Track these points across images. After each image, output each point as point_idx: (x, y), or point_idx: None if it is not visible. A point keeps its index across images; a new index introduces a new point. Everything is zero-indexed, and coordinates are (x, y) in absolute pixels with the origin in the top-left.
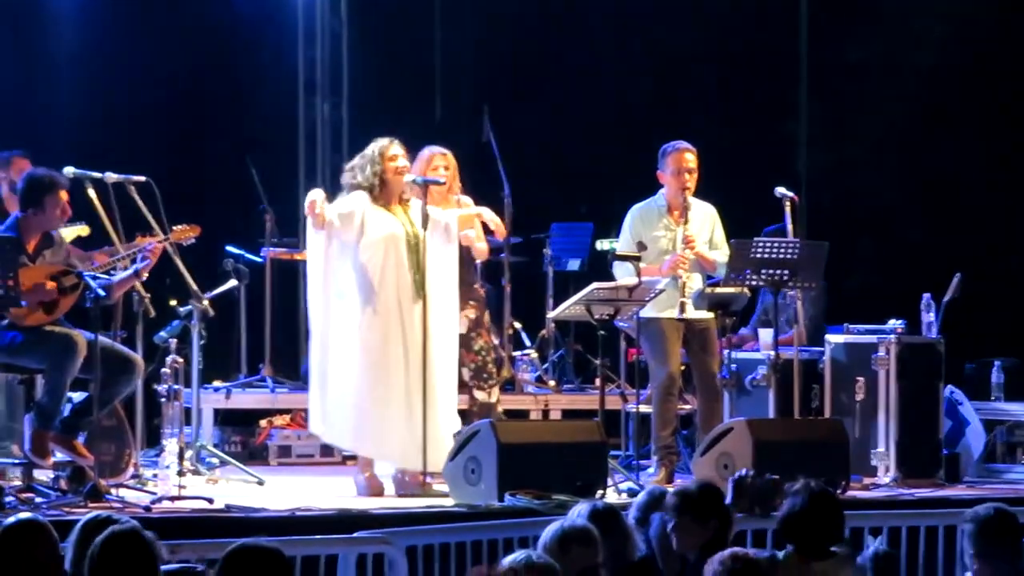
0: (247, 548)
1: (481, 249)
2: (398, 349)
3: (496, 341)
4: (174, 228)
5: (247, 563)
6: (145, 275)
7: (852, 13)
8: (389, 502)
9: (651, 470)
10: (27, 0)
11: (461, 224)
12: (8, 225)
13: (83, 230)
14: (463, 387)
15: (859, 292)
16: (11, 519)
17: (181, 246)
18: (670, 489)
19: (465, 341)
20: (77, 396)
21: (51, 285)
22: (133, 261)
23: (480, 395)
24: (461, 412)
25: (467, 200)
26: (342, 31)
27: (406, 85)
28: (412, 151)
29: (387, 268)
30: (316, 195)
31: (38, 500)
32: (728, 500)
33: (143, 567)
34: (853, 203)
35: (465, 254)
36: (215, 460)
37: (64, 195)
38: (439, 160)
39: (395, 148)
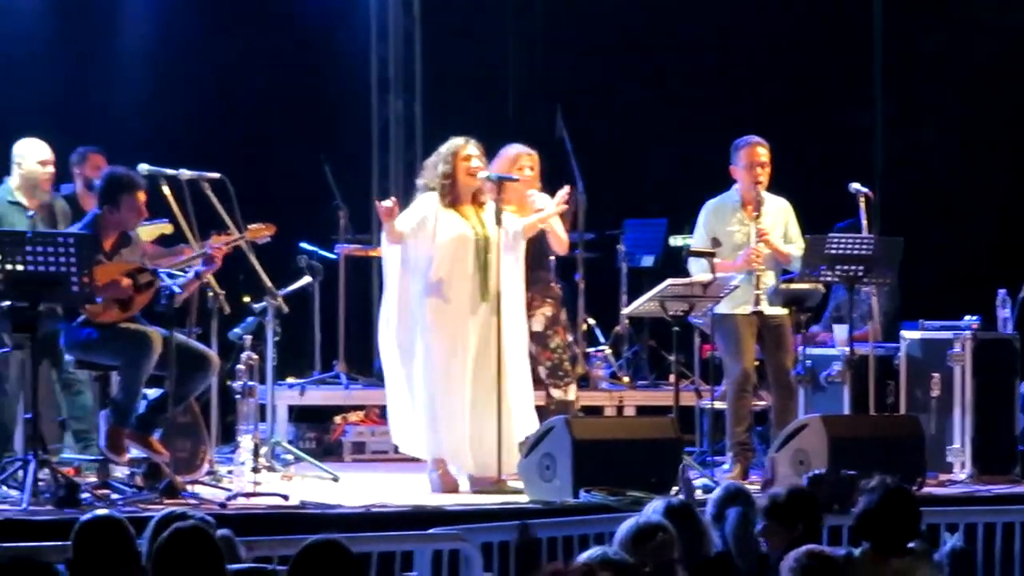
0: (317, 545)
1: (563, 242)
2: (467, 353)
3: (570, 338)
4: (249, 227)
5: (317, 560)
6: (208, 277)
7: (926, 4)
8: (464, 498)
9: (726, 466)
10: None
11: (527, 232)
12: (85, 223)
13: (166, 228)
14: (539, 384)
15: (934, 288)
16: (88, 516)
17: (256, 244)
18: (746, 485)
19: (541, 339)
20: (153, 393)
21: (127, 282)
22: (204, 263)
23: (556, 393)
24: (538, 409)
25: (545, 198)
26: (415, 29)
27: (479, 82)
28: (486, 149)
29: (455, 271)
30: (390, 206)
31: (114, 496)
32: None
33: (207, 564)
34: (927, 197)
35: (543, 250)
36: (290, 456)
37: (142, 196)
38: (525, 160)
39: (470, 148)
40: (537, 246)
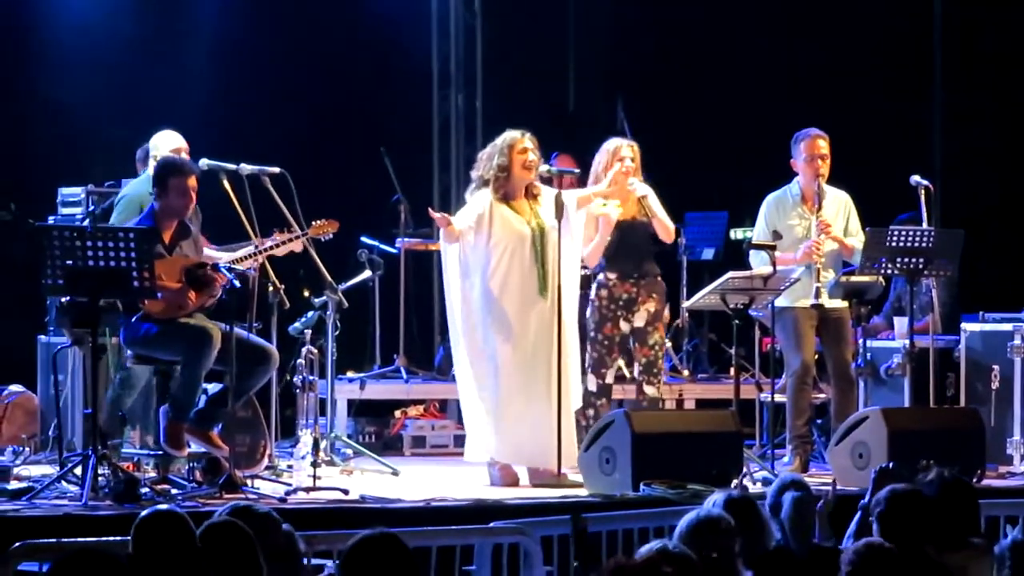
0: (371, 538)
1: (669, 230)
2: (527, 348)
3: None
4: (313, 223)
5: (371, 553)
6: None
7: None
8: (523, 492)
9: (786, 459)
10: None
11: (580, 204)
12: (145, 215)
13: (331, 226)
14: (631, 380)
15: (994, 280)
16: (148, 511)
17: (319, 240)
18: (805, 477)
19: (641, 335)
20: (212, 387)
21: (176, 285)
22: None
23: (650, 390)
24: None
25: (645, 186)
26: (475, 24)
27: (539, 76)
28: (548, 141)
29: (513, 267)
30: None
31: (174, 491)
32: (868, 493)
33: (243, 553)
34: (987, 189)
35: (649, 242)
36: (349, 451)
37: (191, 181)
38: (626, 151)
39: (525, 142)
40: (644, 237)
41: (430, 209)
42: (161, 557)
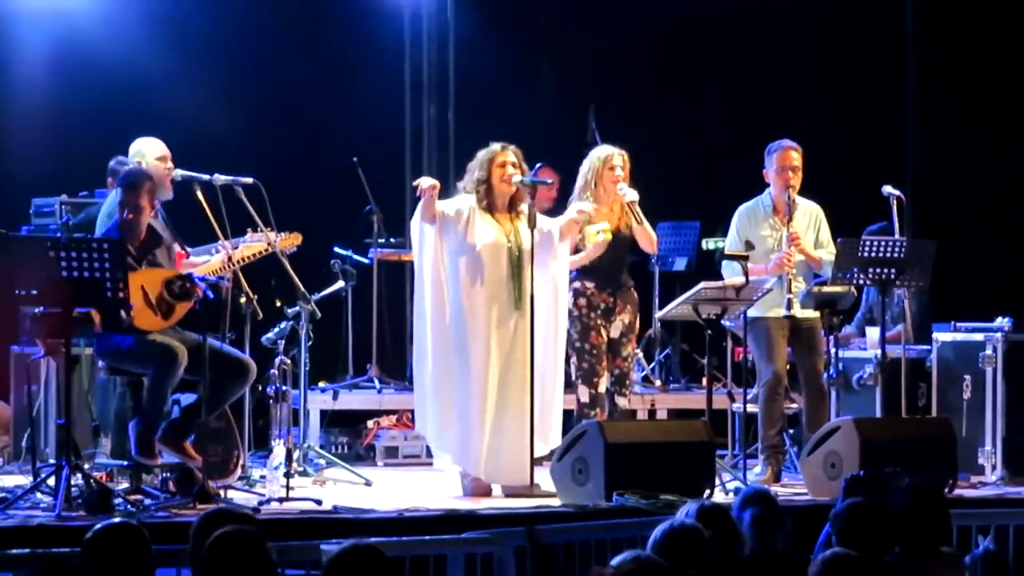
0: (352, 550)
1: (652, 240)
2: (497, 360)
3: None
4: (279, 236)
5: (352, 565)
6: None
7: (958, 7)
8: (497, 502)
9: (757, 469)
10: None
11: (565, 232)
12: (110, 227)
13: (295, 239)
14: (570, 387)
15: (966, 289)
16: (103, 523)
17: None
18: (773, 488)
19: (615, 346)
20: (186, 398)
21: (137, 299)
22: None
23: (621, 401)
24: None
25: (633, 192)
26: (448, 33)
27: (512, 86)
28: (521, 151)
29: (487, 278)
30: (429, 181)
31: (147, 502)
32: (839, 501)
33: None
34: (959, 199)
35: (626, 254)
36: (322, 461)
37: (141, 199)
38: (617, 160)
39: (507, 156)
40: (624, 249)
41: (422, 180)
42: (117, 570)
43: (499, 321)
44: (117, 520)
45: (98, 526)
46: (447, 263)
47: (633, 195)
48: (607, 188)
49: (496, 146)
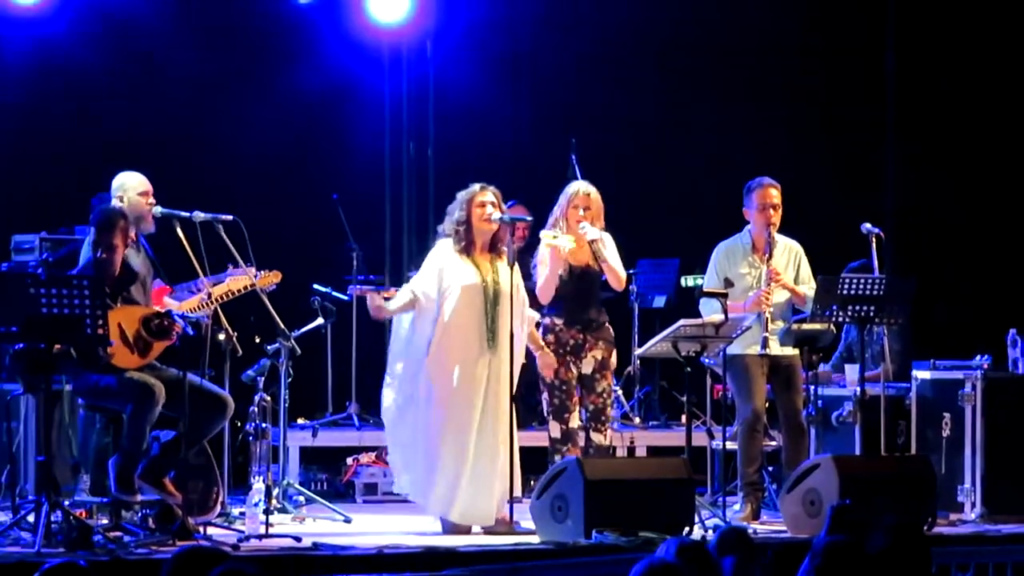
0: None
1: (620, 278)
2: (474, 402)
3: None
4: (259, 273)
5: None
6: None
7: (938, 46)
8: (476, 540)
9: (737, 507)
10: (124, 40)
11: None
12: (83, 265)
13: (275, 276)
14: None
15: (945, 327)
16: (47, 565)
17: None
18: (751, 526)
19: (589, 382)
20: (166, 434)
21: (114, 337)
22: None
23: (597, 437)
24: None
25: (595, 230)
26: (427, 71)
27: (492, 122)
28: (500, 187)
29: (463, 319)
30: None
31: (126, 539)
32: (824, 531)
33: None
34: (938, 238)
35: (596, 289)
36: (302, 498)
37: (115, 238)
38: (582, 198)
39: (485, 196)
40: (594, 284)
41: (359, 289)
42: None
43: (471, 361)
44: (60, 561)
45: (44, 566)
46: (428, 312)
47: (594, 233)
48: (572, 225)
49: (476, 186)
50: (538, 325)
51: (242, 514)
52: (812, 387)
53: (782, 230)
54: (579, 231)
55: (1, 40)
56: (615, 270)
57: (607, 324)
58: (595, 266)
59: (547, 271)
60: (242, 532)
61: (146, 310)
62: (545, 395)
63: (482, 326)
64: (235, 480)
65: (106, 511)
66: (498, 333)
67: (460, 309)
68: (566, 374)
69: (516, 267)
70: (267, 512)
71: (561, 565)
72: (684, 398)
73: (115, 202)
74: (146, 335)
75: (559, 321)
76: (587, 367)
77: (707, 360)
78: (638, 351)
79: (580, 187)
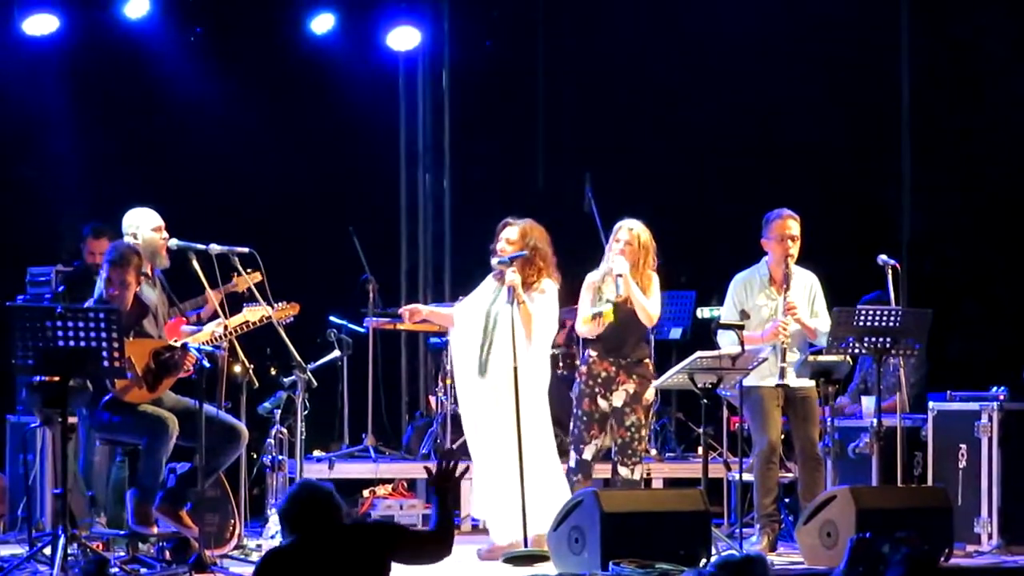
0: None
1: (650, 315)
2: (475, 425)
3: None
4: (276, 305)
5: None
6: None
7: (954, 79)
8: (495, 570)
9: (754, 539)
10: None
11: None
12: (95, 300)
13: (292, 309)
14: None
15: (961, 358)
16: None
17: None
18: (770, 556)
19: (618, 415)
20: (182, 466)
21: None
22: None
23: (624, 471)
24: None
25: (623, 266)
26: (443, 102)
27: (508, 154)
28: (516, 217)
29: (460, 345)
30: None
31: (143, 571)
32: (844, 563)
33: None
34: (954, 268)
35: (634, 325)
36: None
37: (128, 275)
38: (624, 233)
39: (504, 231)
40: (632, 319)
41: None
42: None
43: (469, 387)
44: None
45: None
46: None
47: (621, 268)
48: (608, 257)
49: (507, 219)
50: (560, 360)
51: (259, 547)
52: (829, 419)
53: (799, 262)
54: (609, 264)
55: (20, 72)
56: (643, 307)
57: (645, 360)
58: (631, 302)
59: (583, 324)
60: None
61: (157, 343)
62: (571, 425)
63: (477, 353)
64: (251, 512)
65: (123, 543)
66: (487, 360)
67: (460, 333)
68: (590, 405)
69: (527, 303)
70: None
71: None
72: (701, 430)
73: (127, 239)
74: (156, 368)
75: (593, 353)
76: (617, 400)
77: (724, 392)
78: (655, 383)
79: (624, 223)
